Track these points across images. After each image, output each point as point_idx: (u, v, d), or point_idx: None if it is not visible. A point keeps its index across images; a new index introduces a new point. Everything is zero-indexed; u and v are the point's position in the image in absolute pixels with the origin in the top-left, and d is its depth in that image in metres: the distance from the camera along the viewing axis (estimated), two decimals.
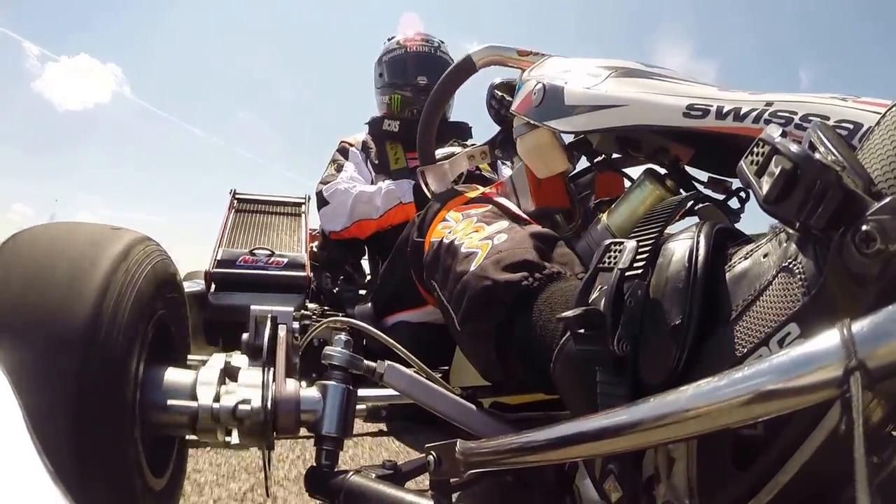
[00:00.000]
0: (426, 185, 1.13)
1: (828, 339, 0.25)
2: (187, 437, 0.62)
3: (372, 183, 1.81)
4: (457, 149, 1.48)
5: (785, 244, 0.37)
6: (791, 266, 0.35)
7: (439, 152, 1.20)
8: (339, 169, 1.82)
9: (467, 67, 1.04)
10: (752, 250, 0.40)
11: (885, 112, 0.34)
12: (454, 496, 0.54)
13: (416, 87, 1.87)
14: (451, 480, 0.54)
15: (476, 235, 0.73)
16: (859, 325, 0.25)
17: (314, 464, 0.64)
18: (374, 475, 0.61)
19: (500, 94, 1.01)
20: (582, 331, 0.41)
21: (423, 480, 0.71)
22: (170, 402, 0.59)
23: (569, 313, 0.42)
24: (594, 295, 0.43)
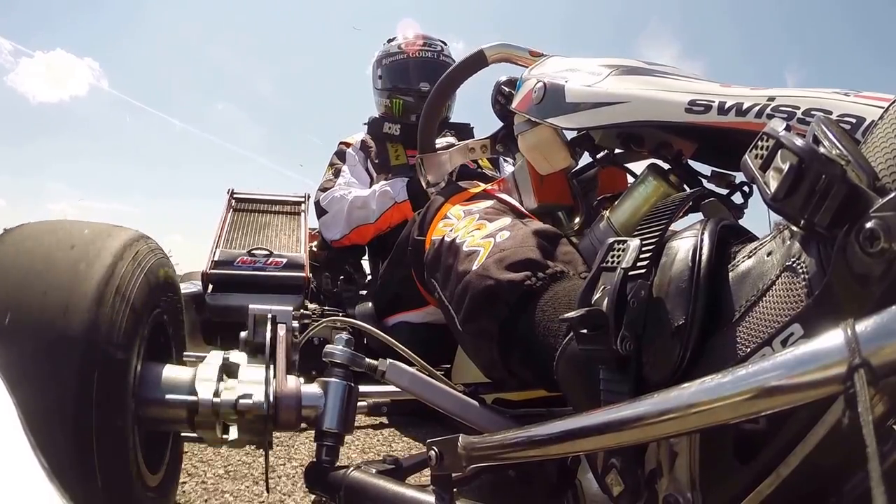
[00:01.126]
0: (423, 174, 1.13)
1: (832, 337, 0.25)
2: (184, 433, 0.62)
3: (372, 182, 1.81)
4: (452, 139, 1.47)
5: (788, 242, 0.37)
6: (794, 265, 0.35)
7: (437, 143, 1.20)
8: (337, 173, 1.82)
9: (478, 61, 1.04)
10: (755, 248, 0.40)
11: (889, 106, 0.34)
12: (455, 491, 0.54)
13: (419, 93, 1.86)
14: (453, 475, 0.54)
15: (478, 233, 0.72)
16: (863, 325, 0.25)
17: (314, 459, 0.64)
18: (374, 470, 0.61)
19: (507, 90, 1.00)
20: (585, 331, 0.41)
21: (424, 475, 0.71)
22: (168, 397, 0.59)
23: (572, 314, 0.42)
24: (597, 295, 0.43)
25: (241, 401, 0.58)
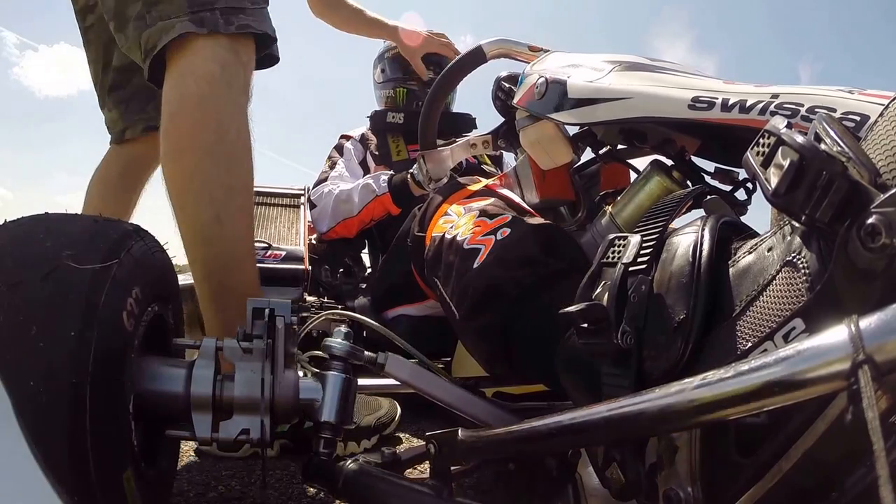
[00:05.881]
0: (425, 171, 1.13)
1: (836, 333, 0.26)
2: (176, 431, 0.62)
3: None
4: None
5: (789, 238, 0.37)
6: (795, 260, 0.35)
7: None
8: (333, 167, 1.83)
9: (477, 57, 1.04)
10: (756, 244, 0.40)
11: (889, 103, 0.34)
12: (454, 484, 0.54)
13: (422, 81, 1.87)
14: (452, 468, 0.54)
15: (479, 230, 0.72)
16: (867, 321, 0.25)
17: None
18: (373, 463, 0.61)
19: (507, 86, 1.00)
20: (585, 325, 0.42)
21: (423, 468, 0.71)
22: (164, 390, 0.59)
23: (572, 308, 0.42)
24: (598, 290, 0.43)
25: (238, 394, 0.58)
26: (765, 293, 0.36)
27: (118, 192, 1.28)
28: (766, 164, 0.35)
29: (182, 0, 0.83)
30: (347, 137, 1.93)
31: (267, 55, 0.95)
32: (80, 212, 0.61)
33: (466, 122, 1.93)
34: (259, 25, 0.89)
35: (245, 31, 0.87)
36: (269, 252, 1.53)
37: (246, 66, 0.88)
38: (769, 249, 0.38)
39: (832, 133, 0.33)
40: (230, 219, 0.82)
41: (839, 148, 0.32)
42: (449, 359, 1.15)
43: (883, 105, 0.44)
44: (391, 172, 1.63)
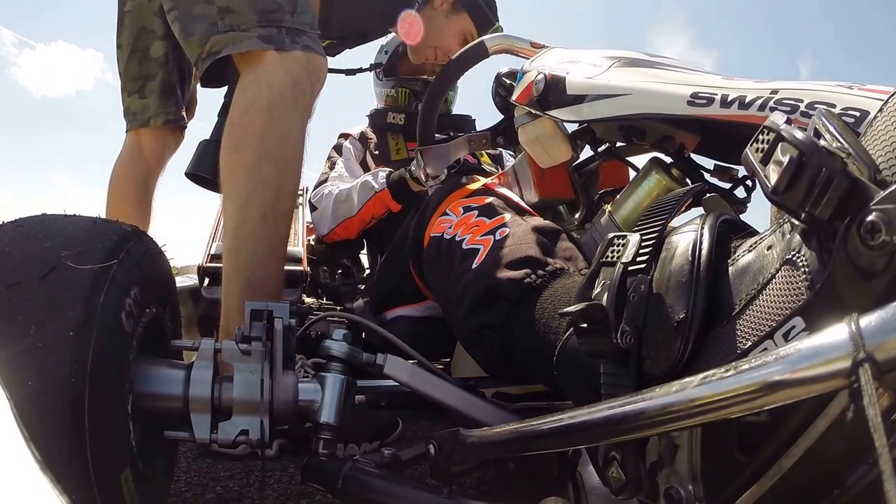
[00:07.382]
0: (423, 167, 1.13)
1: (836, 332, 0.25)
2: (174, 433, 0.62)
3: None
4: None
5: (788, 235, 0.37)
6: (794, 258, 0.35)
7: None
8: (332, 167, 1.82)
9: (479, 52, 1.03)
10: (755, 242, 0.40)
11: (888, 99, 0.34)
12: (454, 484, 0.54)
13: (424, 81, 1.85)
14: (452, 468, 0.54)
15: (477, 230, 0.72)
16: (867, 320, 0.25)
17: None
18: (373, 463, 0.61)
19: (507, 82, 1.00)
20: (585, 325, 0.41)
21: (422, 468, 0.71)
22: (163, 391, 0.59)
23: (571, 308, 0.42)
24: (597, 290, 0.43)
25: (237, 395, 0.58)
26: (764, 292, 0.36)
27: (139, 195, 1.37)
28: (765, 161, 0.35)
29: (253, 14, 0.88)
30: (346, 136, 1.92)
31: None
32: (101, 214, 0.62)
33: (466, 124, 1.92)
34: (319, 50, 0.94)
35: (310, 51, 0.91)
36: None
37: (314, 86, 0.93)
38: (769, 248, 0.38)
39: (832, 129, 0.33)
40: (274, 220, 0.87)
41: (839, 144, 0.32)
42: (448, 359, 1.15)
43: (882, 100, 0.44)
44: (389, 169, 1.62)
